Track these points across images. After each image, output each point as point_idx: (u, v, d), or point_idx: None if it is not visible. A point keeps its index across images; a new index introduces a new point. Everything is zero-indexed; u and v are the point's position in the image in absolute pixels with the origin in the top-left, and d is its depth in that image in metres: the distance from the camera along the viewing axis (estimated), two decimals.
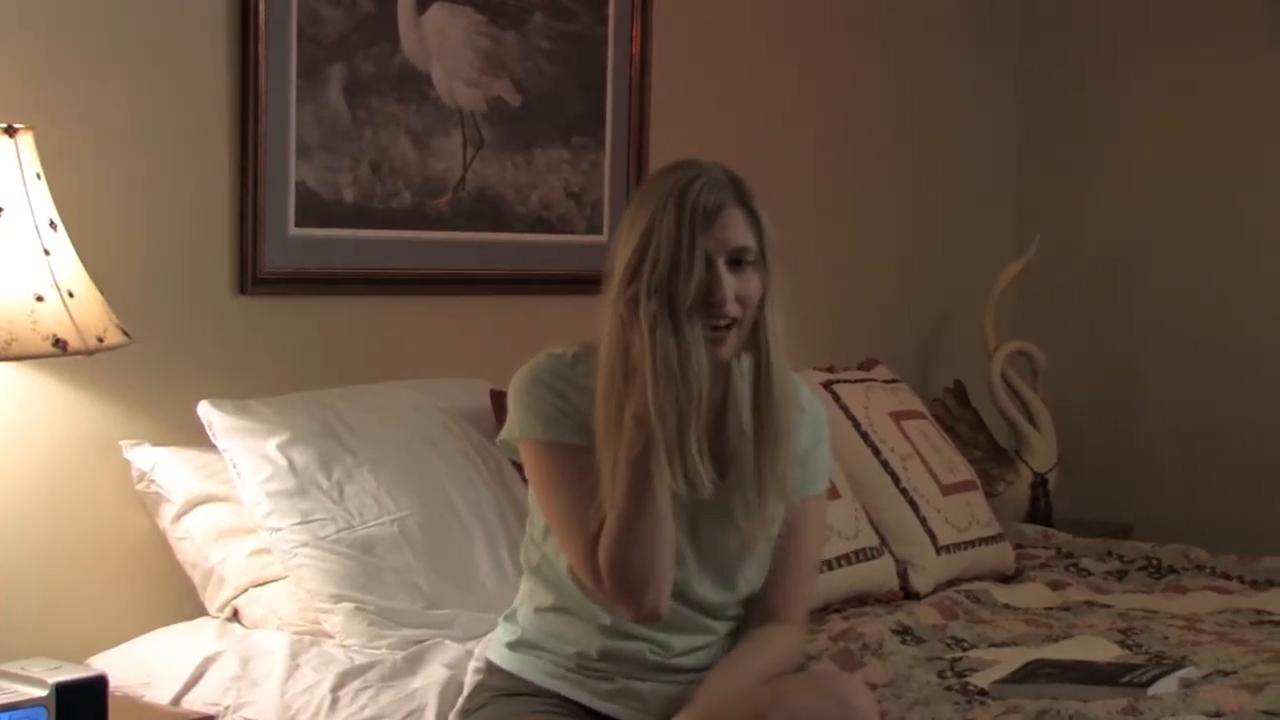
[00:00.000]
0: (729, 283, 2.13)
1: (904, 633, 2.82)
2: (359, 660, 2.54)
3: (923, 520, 3.33)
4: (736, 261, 2.15)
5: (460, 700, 2.36)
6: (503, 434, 2.27)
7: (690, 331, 2.11)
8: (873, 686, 2.50)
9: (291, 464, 2.70)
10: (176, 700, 2.56)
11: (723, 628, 2.28)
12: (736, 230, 2.15)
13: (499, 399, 2.86)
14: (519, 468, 2.44)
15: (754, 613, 2.28)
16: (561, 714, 2.22)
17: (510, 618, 2.33)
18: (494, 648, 2.34)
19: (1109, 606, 3.16)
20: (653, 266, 2.11)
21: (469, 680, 2.39)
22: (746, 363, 2.21)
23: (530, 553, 2.30)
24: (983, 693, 2.48)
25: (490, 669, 2.32)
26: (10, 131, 2.39)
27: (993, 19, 4.63)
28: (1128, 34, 4.55)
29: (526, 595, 2.31)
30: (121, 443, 2.79)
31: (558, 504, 2.19)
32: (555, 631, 2.26)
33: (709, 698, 2.14)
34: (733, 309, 2.14)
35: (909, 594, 3.22)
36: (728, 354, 2.17)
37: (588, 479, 2.15)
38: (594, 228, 3.53)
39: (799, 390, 2.29)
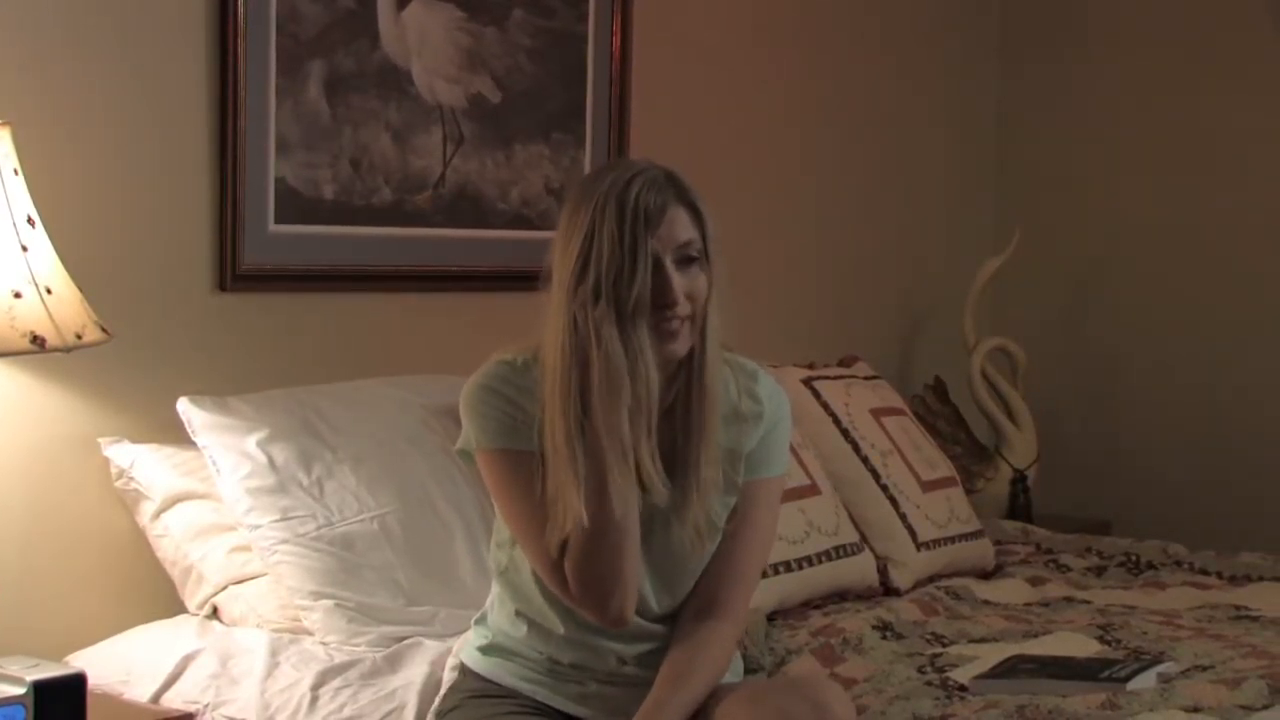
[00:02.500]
0: (679, 282, 2.12)
1: (884, 629, 2.82)
2: (339, 658, 2.54)
3: (903, 517, 3.33)
4: (683, 259, 2.14)
5: (436, 701, 2.36)
6: (459, 444, 2.25)
7: (638, 336, 2.10)
8: (853, 682, 2.51)
9: (271, 461, 2.70)
10: (156, 698, 2.56)
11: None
12: (681, 227, 2.13)
13: None
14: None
15: (691, 603, 2.23)
16: (533, 716, 2.22)
17: (481, 621, 2.34)
18: (466, 650, 2.34)
19: (1088, 602, 3.17)
20: (597, 271, 2.09)
21: (446, 680, 2.39)
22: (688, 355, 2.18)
23: (498, 557, 2.29)
24: (962, 688, 2.48)
25: (464, 671, 2.32)
26: None
27: (973, 13, 4.64)
28: (1109, 29, 4.56)
29: (496, 600, 2.32)
30: (100, 440, 2.79)
31: (519, 512, 2.17)
32: (524, 638, 2.26)
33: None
34: (684, 308, 2.13)
35: (889, 590, 3.22)
36: (683, 349, 2.15)
37: (545, 487, 2.14)
38: None
39: (757, 379, 2.28)
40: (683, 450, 2.17)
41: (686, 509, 2.17)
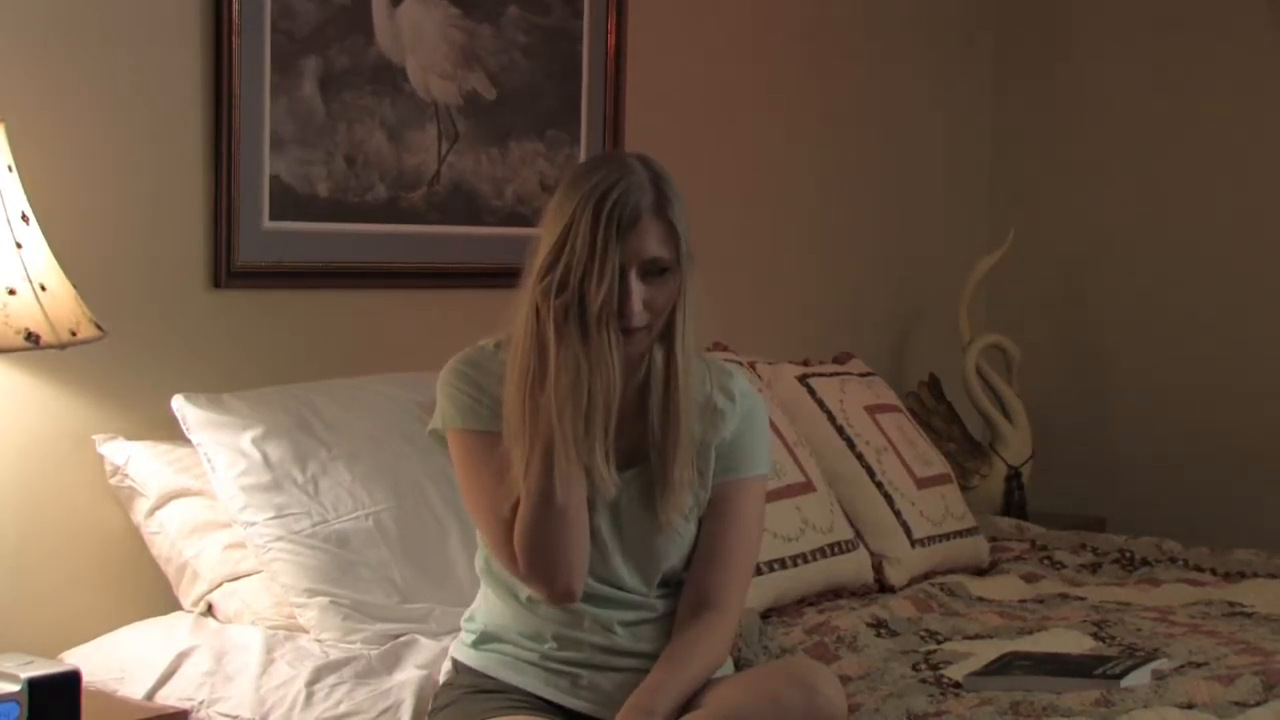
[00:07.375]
0: (639, 292, 2.15)
1: (879, 626, 2.83)
2: (334, 655, 2.54)
3: (897, 513, 3.34)
4: (649, 271, 2.16)
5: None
6: (430, 424, 2.30)
7: (599, 336, 2.13)
8: (847, 679, 2.51)
9: (266, 458, 2.70)
10: (150, 695, 2.55)
11: (659, 604, 2.29)
12: (651, 242, 2.16)
13: None
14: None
15: (685, 600, 2.27)
16: (527, 709, 2.24)
17: (470, 619, 2.36)
18: (459, 647, 2.36)
19: (1082, 599, 3.18)
20: (566, 268, 2.13)
21: (443, 677, 2.40)
22: (659, 357, 2.22)
23: (480, 553, 2.33)
24: (957, 685, 2.48)
25: (457, 668, 2.34)
26: None
27: (967, 14, 4.64)
28: (1102, 28, 4.56)
29: (482, 597, 2.35)
30: (95, 437, 2.78)
31: (473, 489, 2.24)
32: (514, 619, 2.29)
33: (641, 703, 2.14)
34: (640, 319, 2.16)
35: (884, 587, 3.23)
36: (638, 351, 2.19)
37: (500, 465, 2.19)
38: None
39: (733, 376, 2.31)
40: (656, 448, 2.21)
41: (662, 501, 2.21)
